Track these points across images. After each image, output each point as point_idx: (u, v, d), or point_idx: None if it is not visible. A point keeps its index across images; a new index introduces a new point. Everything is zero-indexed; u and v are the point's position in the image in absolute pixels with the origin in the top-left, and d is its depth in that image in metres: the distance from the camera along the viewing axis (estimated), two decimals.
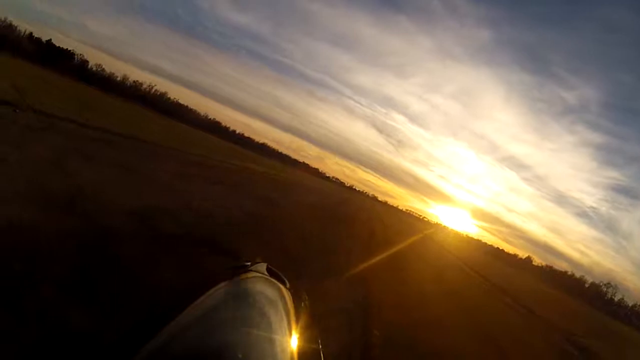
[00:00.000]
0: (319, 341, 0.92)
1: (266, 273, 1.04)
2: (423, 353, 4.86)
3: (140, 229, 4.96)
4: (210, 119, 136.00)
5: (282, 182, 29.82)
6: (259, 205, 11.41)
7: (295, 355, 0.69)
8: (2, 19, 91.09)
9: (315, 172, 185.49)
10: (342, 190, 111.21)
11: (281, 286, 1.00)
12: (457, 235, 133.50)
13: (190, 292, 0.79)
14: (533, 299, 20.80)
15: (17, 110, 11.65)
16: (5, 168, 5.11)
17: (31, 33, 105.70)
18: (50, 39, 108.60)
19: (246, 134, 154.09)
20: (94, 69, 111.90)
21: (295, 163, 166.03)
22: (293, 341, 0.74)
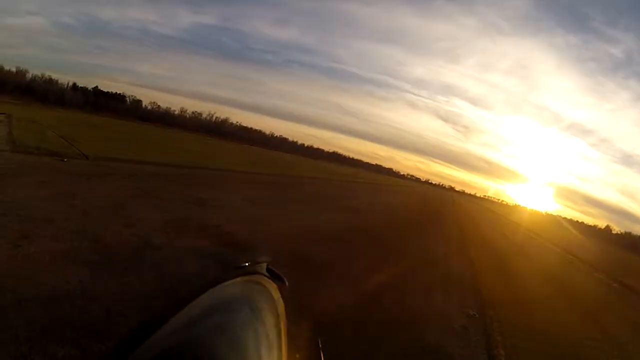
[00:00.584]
0: (319, 341, 0.96)
1: (266, 273, 1.07)
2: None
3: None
4: (276, 136, 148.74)
5: (366, 189, 34.97)
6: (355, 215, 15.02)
7: (295, 356, 0.71)
8: (41, 75, 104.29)
9: (390, 172, 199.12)
10: (420, 188, 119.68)
11: (281, 286, 1.02)
12: (537, 214, 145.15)
13: (189, 291, 0.82)
14: (619, 270, 23.93)
15: (66, 160, 12.63)
16: (53, 227, 5.06)
17: (74, 83, 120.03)
18: (97, 86, 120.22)
19: (315, 145, 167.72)
20: (149, 107, 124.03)
21: (367, 166, 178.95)
22: (293, 341, 0.75)
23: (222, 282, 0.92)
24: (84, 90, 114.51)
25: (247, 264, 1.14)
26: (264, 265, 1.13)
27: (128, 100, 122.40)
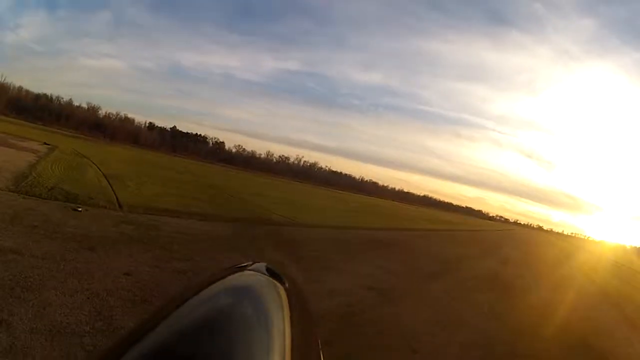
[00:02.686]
0: (319, 341, 1.12)
1: (266, 272, 1.21)
2: None
3: None
4: (367, 180, 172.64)
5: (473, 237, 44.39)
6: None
7: (295, 355, 0.81)
8: (115, 113, 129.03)
9: (479, 214, 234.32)
10: (513, 230, 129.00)
11: (280, 286, 1.15)
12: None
13: (189, 290, 0.96)
14: None
15: (81, 209, 13.18)
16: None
17: (151, 122, 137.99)
18: (175, 126, 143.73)
19: (405, 189, 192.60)
20: (233, 149, 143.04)
21: (458, 209, 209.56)
22: (293, 341, 0.86)
23: (223, 281, 1.06)
24: (161, 130, 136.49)
25: (247, 264, 1.27)
26: (264, 264, 1.25)
27: (210, 142, 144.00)
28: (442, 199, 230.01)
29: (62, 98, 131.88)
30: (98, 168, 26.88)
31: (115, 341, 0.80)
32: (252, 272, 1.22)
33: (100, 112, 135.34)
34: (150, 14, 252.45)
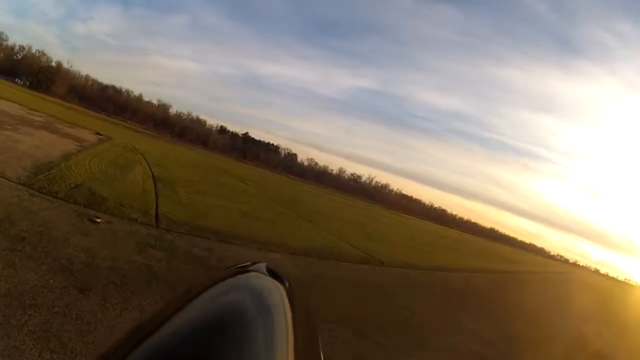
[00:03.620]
0: (319, 341, 1.22)
1: (266, 273, 1.31)
2: None
3: None
4: (436, 207, 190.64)
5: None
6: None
7: (296, 356, 0.89)
8: (186, 113, 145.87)
9: (541, 252, 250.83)
10: (575, 272, 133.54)
11: (281, 286, 1.25)
12: None
13: (190, 291, 1.07)
14: None
15: (100, 220, 11.73)
16: None
17: (222, 126, 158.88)
18: (247, 133, 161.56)
19: (472, 220, 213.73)
20: (305, 162, 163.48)
21: (520, 245, 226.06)
22: (294, 341, 0.95)
23: (224, 282, 1.18)
24: (233, 135, 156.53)
25: (247, 264, 1.37)
26: (264, 265, 1.35)
27: (282, 153, 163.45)
28: (505, 232, 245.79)
29: (132, 92, 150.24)
30: (149, 167, 26.53)
31: (117, 341, 0.84)
32: (252, 272, 1.30)
33: (170, 110, 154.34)
34: (230, 22, 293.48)
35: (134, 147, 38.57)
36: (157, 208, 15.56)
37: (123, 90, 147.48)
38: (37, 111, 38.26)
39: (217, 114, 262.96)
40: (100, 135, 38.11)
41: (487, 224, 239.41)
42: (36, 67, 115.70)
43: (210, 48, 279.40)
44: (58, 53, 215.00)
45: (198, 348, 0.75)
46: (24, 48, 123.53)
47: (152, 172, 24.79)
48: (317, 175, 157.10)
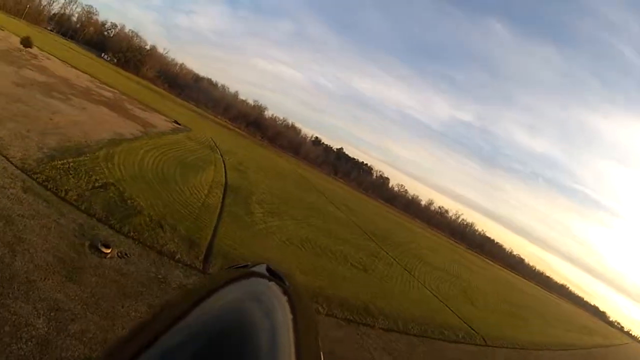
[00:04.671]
0: (319, 341, 1.32)
1: (266, 273, 1.44)
2: None
3: None
4: (515, 255, 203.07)
5: None
6: None
7: (297, 355, 0.99)
8: (282, 118, 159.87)
9: (602, 317, 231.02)
10: None
11: (281, 286, 1.36)
12: None
13: (190, 291, 1.29)
14: None
15: (109, 250, 9.45)
16: None
17: (317, 137, 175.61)
18: (342, 148, 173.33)
19: (547, 273, 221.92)
20: (396, 188, 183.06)
21: (587, 306, 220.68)
22: (293, 339, 1.06)
23: (224, 282, 1.33)
24: (327, 148, 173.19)
25: (247, 264, 1.59)
26: (264, 265, 1.51)
27: (374, 175, 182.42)
28: (576, 291, 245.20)
29: (228, 88, 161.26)
30: (224, 171, 24.93)
31: (118, 341, 0.91)
32: (252, 272, 1.45)
33: (265, 112, 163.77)
34: (334, 34, 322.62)
35: (215, 143, 37.59)
36: (213, 237, 12.66)
37: (219, 84, 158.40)
38: (108, 86, 38.94)
39: (312, 123, 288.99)
40: (178, 124, 37.54)
41: (559, 279, 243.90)
42: (126, 46, 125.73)
43: (311, 57, 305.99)
44: (154, 38, 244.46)
45: (199, 348, 0.82)
46: (116, 26, 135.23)
47: (226, 178, 22.70)
48: (406, 204, 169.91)
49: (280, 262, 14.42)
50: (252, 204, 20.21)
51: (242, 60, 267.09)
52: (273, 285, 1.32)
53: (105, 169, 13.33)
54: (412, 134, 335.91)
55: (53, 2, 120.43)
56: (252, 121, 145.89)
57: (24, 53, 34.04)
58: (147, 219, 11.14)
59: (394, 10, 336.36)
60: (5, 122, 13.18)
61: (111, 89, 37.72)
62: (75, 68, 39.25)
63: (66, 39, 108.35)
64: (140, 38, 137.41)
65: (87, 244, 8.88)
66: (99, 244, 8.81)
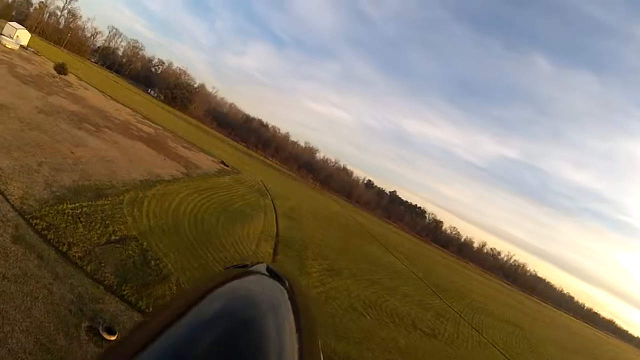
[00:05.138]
0: (319, 339, 1.67)
1: (266, 273, 1.86)
2: None
3: None
4: (565, 294, 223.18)
5: None
6: None
7: (296, 353, 1.15)
8: (333, 160, 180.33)
9: None
10: None
11: (281, 286, 1.71)
12: None
13: (191, 290, 2.45)
14: None
15: (113, 336, 7.66)
16: None
17: (370, 180, 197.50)
18: (395, 191, 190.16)
19: (594, 309, 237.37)
20: (449, 231, 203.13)
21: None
22: (294, 339, 1.24)
23: (225, 281, 1.51)
24: (380, 191, 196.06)
25: (248, 264, 2.22)
26: (264, 265, 2.03)
27: (427, 218, 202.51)
28: (623, 326, 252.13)
29: (279, 129, 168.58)
30: (275, 219, 23.79)
31: (119, 340, 3.00)
32: (253, 272, 1.74)
33: (317, 154, 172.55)
34: (381, 75, 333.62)
35: (265, 187, 36.86)
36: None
37: (269, 125, 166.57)
38: (150, 121, 38.87)
39: (362, 164, 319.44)
40: (226, 165, 36.74)
41: (606, 314, 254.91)
42: (174, 83, 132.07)
43: (359, 98, 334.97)
44: (203, 77, 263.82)
45: (199, 347, 0.87)
46: (163, 62, 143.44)
47: (277, 228, 21.37)
48: (459, 248, 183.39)
49: (344, 337, 14.05)
50: (307, 260, 18.80)
51: (292, 101, 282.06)
52: (273, 285, 1.56)
53: (128, 218, 11.69)
54: (459, 172, 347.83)
55: (97, 34, 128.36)
56: (304, 163, 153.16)
57: (57, 80, 34.16)
58: (175, 287, 9.02)
59: (438, 48, 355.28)
60: (12, 150, 11.90)
61: (154, 125, 37.49)
62: (116, 100, 39.40)
63: (111, 72, 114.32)
64: (189, 76, 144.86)
65: (84, 325, 7.11)
66: (101, 327, 6.90)
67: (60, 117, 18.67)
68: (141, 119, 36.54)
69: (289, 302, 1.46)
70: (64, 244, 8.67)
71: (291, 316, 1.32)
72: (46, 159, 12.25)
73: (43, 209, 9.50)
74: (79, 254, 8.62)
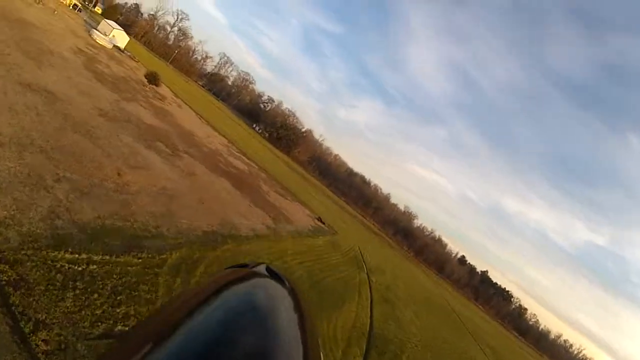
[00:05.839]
0: (319, 341, 1.26)
1: (266, 273, 1.33)
2: None
3: None
4: None
5: None
6: None
7: (296, 354, 1.01)
8: (430, 229, 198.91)
9: None
10: None
11: (281, 286, 1.31)
12: None
13: (190, 291, 1.16)
14: None
15: None
16: None
17: (463, 256, 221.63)
18: (487, 271, 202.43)
19: None
20: (529, 318, 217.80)
21: None
22: (294, 340, 1.08)
23: (224, 281, 1.26)
24: (472, 269, 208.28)
25: (247, 264, 1.41)
26: (264, 265, 1.38)
27: (513, 304, 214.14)
28: None
29: (381, 189, 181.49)
30: (370, 306, 21.54)
31: (119, 342, 1.02)
32: (252, 272, 1.36)
33: (415, 221, 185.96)
34: (486, 146, 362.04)
35: (362, 255, 35.26)
36: None
37: (371, 183, 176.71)
38: (245, 156, 37.71)
39: (456, 236, 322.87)
40: (322, 222, 35.02)
41: None
42: (281, 123, 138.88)
43: (462, 167, 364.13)
44: (310, 123, 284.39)
45: (199, 347, 0.84)
46: (273, 100, 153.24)
47: (371, 319, 19.28)
48: (537, 339, 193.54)
49: None
50: None
51: (395, 161, 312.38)
52: (273, 285, 1.27)
53: (160, 293, 8.73)
54: (547, 256, 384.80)
55: (207, 58, 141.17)
56: (401, 229, 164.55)
57: (145, 88, 33.80)
58: None
59: (543, 125, 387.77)
60: (27, 151, 9.25)
61: (248, 160, 36.10)
62: (212, 126, 38.66)
63: (217, 99, 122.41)
64: (297, 119, 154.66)
65: None
66: None
67: (128, 128, 16.63)
68: (235, 152, 35.46)
69: (289, 303, 1.14)
70: (30, 320, 6.00)
71: (291, 317, 1.07)
72: (72, 175, 9.54)
73: (22, 251, 6.86)
74: (47, 346, 5.82)
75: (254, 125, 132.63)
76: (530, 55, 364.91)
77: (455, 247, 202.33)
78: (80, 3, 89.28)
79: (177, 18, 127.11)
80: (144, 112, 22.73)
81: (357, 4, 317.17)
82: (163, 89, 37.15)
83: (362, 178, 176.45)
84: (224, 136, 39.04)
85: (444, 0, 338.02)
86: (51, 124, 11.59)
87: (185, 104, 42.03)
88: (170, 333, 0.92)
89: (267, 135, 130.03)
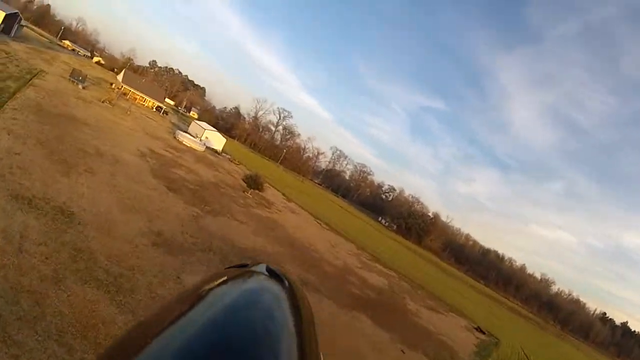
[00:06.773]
0: (319, 341, 1.38)
1: (266, 273, 1.51)
2: None
3: None
4: None
5: None
6: None
7: (296, 354, 1.07)
8: (567, 292, 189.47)
9: None
10: None
11: (281, 286, 1.45)
12: None
13: (190, 291, 1.27)
14: None
15: None
16: None
17: (604, 314, 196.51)
18: (627, 322, 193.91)
19: None
20: None
21: None
22: (294, 339, 1.15)
23: (224, 281, 1.38)
24: (612, 325, 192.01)
25: (247, 264, 1.62)
26: (264, 265, 1.54)
27: None
28: None
29: (515, 261, 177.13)
30: None
31: (118, 340, 1.02)
32: (252, 272, 1.51)
33: (552, 287, 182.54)
34: (602, 192, 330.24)
35: None
36: None
37: (505, 258, 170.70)
38: (381, 264, 33.41)
39: (588, 290, 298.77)
40: (482, 332, 30.74)
41: None
42: (407, 211, 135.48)
43: (582, 217, 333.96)
44: (433, 205, 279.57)
45: (198, 347, 0.87)
46: (394, 189, 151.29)
47: None
48: None
49: None
50: None
51: (519, 228, 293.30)
52: (273, 285, 1.40)
53: None
54: None
55: (320, 154, 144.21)
56: (544, 302, 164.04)
57: (246, 194, 29.78)
58: None
59: None
60: None
61: (386, 269, 31.23)
62: (335, 231, 34.78)
63: (336, 196, 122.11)
64: (422, 204, 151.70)
65: None
66: None
67: (204, 260, 13.20)
68: (367, 260, 30.61)
69: (289, 302, 1.28)
70: None
71: (291, 316, 1.18)
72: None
73: None
74: None
75: (380, 218, 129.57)
76: (613, 76, 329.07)
77: (593, 304, 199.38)
78: (172, 108, 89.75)
79: (280, 117, 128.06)
80: (237, 230, 18.68)
81: (450, 76, 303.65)
82: (270, 193, 34.37)
83: (496, 254, 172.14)
84: (352, 242, 35.39)
85: (519, 47, 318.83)
86: (32, 280, 7.54)
87: (301, 207, 39.05)
88: (170, 333, 0.94)
89: (394, 227, 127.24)
